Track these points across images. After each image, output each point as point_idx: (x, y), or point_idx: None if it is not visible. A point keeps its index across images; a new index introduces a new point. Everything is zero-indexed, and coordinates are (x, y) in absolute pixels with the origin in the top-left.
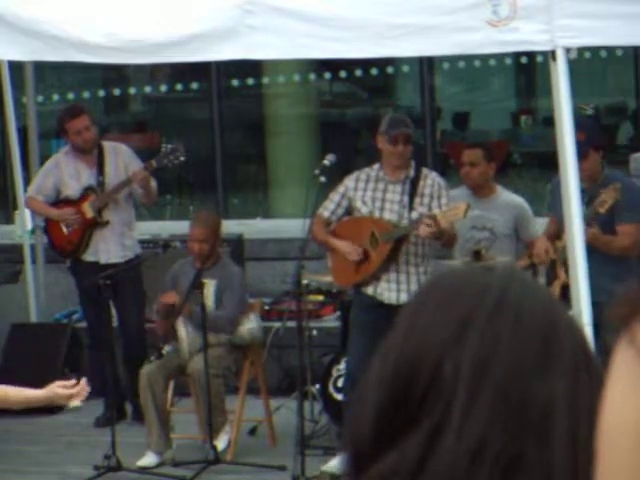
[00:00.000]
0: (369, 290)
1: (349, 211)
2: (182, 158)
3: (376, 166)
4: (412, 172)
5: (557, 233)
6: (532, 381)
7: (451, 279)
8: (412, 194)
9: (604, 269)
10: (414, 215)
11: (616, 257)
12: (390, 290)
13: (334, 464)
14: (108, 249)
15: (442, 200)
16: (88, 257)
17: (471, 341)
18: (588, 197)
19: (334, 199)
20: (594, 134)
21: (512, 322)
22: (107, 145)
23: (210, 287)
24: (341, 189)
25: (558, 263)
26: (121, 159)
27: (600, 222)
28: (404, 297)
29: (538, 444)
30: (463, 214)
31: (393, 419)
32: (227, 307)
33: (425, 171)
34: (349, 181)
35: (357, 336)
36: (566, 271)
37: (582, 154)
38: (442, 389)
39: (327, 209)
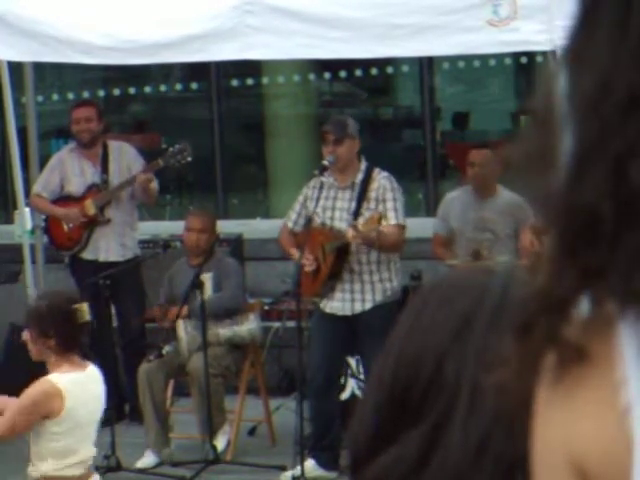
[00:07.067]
0: (323, 303)
1: (310, 219)
2: (189, 158)
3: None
4: (360, 176)
5: None
6: None
7: (452, 280)
8: (361, 199)
9: None
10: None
11: None
12: (344, 300)
13: (309, 466)
14: (108, 248)
15: (387, 204)
16: (87, 255)
17: (473, 339)
18: None
19: (295, 208)
20: None
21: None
22: (112, 144)
23: (207, 280)
24: (301, 198)
25: None
26: (125, 158)
27: None
28: (359, 307)
29: None
30: (377, 222)
31: (392, 419)
32: (226, 290)
33: (375, 173)
34: (307, 189)
35: (315, 346)
36: None
37: None
38: (444, 387)
39: (290, 219)
